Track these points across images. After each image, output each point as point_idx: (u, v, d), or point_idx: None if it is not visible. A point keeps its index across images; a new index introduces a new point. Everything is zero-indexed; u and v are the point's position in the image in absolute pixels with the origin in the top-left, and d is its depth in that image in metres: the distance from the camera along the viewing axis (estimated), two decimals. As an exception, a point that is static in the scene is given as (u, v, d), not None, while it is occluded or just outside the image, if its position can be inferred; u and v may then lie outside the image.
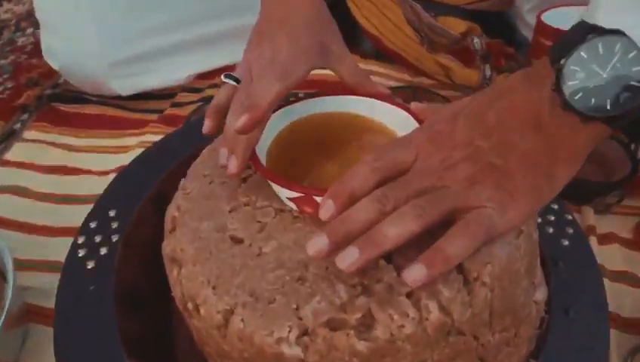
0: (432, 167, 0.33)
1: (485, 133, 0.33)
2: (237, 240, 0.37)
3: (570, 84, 0.30)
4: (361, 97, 0.47)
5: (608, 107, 0.29)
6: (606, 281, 0.57)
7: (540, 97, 0.32)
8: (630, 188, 0.67)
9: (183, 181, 0.44)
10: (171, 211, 0.41)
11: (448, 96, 0.87)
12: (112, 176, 0.73)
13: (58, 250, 0.63)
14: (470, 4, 0.94)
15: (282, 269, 0.34)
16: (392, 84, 0.93)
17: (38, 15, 0.86)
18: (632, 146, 0.68)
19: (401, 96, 0.85)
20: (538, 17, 0.76)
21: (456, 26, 0.89)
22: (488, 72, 0.87)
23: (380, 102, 0.46)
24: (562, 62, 0.31)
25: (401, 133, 0.44)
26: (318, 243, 0.31)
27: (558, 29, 0.71)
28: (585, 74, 0.30)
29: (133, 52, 0.85)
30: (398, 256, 0.32)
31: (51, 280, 0.57)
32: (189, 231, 0.38)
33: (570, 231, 0.46)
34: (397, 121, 0.44)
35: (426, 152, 0.34)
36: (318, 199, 0.34)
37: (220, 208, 0.39)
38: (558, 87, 0.31)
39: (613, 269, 0.59)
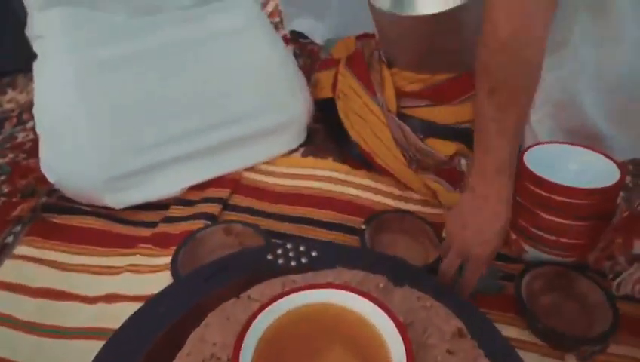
0: None
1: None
2: None
3: None
4: (342, 291, 0.47)
5: None
6: None
7: None
8: (614, 336, 0.66)
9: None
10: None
11: (434, 218, 0.87)
12: (100, 305, 0.73)
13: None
14: (460, 124, 0.95)
15: None
16: (380, 199, 0.94)
17: (38, 130, 0.87)
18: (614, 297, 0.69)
19: (388, 218, 0.86)
20: (521, 156, 0.77)
21: (444, 148, 0.91)
22: (474, 197, 0.87)
23: (361, 297, 0.46)
24: None
25: (378, 326, 0.44)
26: None
27: (538, 177, 0.72)
28: None
29: (127, 168, 0.85)
30: None
31: None
32: None
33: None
34: (375, 315, 0.45)
35: None
36: None
37: None
38: None
39: None
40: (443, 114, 0.93)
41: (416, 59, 0.92)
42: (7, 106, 1.22)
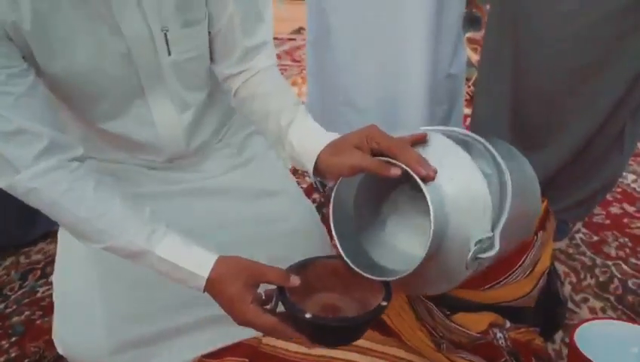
0: None
1: None
2: None
3: None
4: None
5: None
6: None
7: None
8: None
9: None
10: None
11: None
12: None
13: None
14: (493, 301, 0.86)
15: None
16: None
17: (54, 298, 0.83)
18: None
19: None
20: (572, 335, 0.68)
21: (475, 323, 0.81)
22: (520, 379, 0.76)
23: None
24: None
25: None
26: None
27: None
28: None
29: (138, 339, 0.79)
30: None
31: None
32: None
33: None
34: None
35: None
36: None
37: None
38: None
39: None
40: (468, 294, 0.85)
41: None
42: (35, 258, 1.21)
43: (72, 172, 0.66)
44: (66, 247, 0.83)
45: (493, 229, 0.59)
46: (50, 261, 1.19)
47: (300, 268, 0.66)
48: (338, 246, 0.64)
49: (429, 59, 1.13)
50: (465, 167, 0.60)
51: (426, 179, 0.57)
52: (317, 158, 0.67)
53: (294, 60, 2.58)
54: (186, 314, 0.82)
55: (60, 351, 0.80)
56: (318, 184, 1.38)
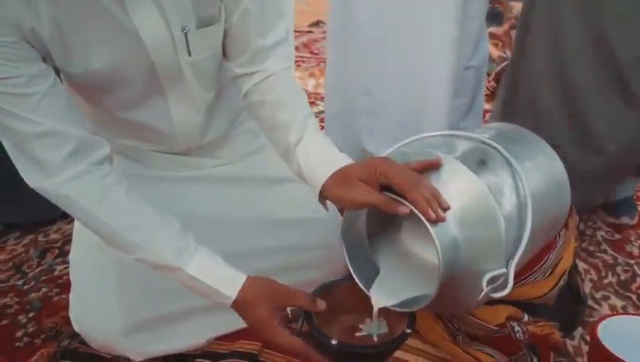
0: None
1: None
2: None
3: None
4: None
5: None
6: None
7: None
8: None
9: None
10: None
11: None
12: None
13: None
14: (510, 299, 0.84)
15: None
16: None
17: (72, 277, 0.83)
18: None
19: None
20: (594, 330, 0.66)
21: (493, 316, 0.79)
22: (538, 373, 0.74)
23: None
24: None
25: None
26: None
27: (620, 359, 0.61)
28: None
29: (152, 317, 0.79)
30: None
31: None
32: None
33: None
34: None
35: None
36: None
37: None
38: None
39: None
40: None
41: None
42: (53, 236, 1.22)
43: (103, 179, 0.65)
44: (83, 228, 0.82)
45: (508, 263, 0.56)
46: (67, 240, 1.19)
47: (325, 290, 0.67)
48: (358, 282, 0.64)
49: (453, 51, 1.11)
50: (480, 198, 0.57)
51: (435, 222, 0.54)
52: (323, 187, 0.65)
53: (312, 53, 2.56)
54: (200, 297, 0.82)
55: (76, 328, 0.81)
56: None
